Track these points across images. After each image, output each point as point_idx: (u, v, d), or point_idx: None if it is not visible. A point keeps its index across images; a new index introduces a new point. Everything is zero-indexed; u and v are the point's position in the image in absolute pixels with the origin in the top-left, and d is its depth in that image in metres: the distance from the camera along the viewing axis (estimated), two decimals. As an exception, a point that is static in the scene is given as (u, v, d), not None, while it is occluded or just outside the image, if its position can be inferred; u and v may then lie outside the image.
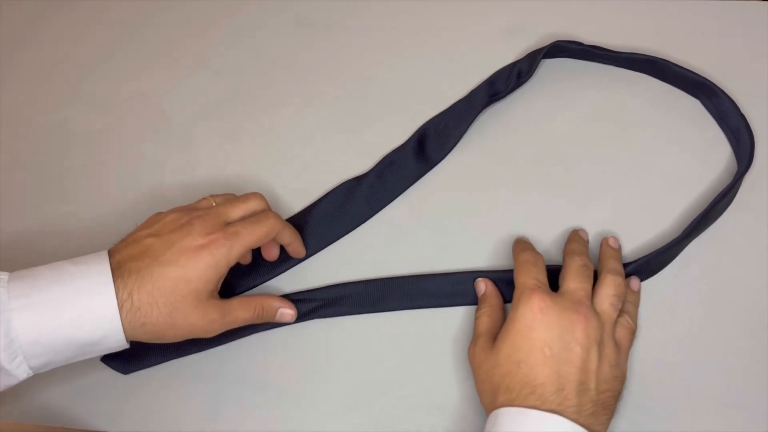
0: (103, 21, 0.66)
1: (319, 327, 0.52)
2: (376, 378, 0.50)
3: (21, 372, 0.42)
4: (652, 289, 0.51)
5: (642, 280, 0.51)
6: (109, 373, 0.50)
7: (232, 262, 0.46)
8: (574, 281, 0.46)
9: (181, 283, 0.43)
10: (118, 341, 0.43)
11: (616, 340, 0.46)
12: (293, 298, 0.51)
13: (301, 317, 0.51)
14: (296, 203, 0.56)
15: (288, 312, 0.50)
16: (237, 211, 0.47)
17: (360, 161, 0.57)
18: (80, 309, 0.42)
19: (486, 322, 0.48)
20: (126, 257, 0.44)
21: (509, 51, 0.60)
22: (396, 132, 0.58)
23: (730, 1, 0.61)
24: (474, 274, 0.52)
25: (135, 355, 0.49)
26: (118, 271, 0.43)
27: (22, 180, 0.59)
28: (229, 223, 0.46)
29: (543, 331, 0.43)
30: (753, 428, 0.47)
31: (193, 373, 0.50)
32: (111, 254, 0.45)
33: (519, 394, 0.43)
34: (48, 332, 0.41)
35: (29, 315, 0.41)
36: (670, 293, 0.51)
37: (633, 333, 0.47)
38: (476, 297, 0.51)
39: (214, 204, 0.48)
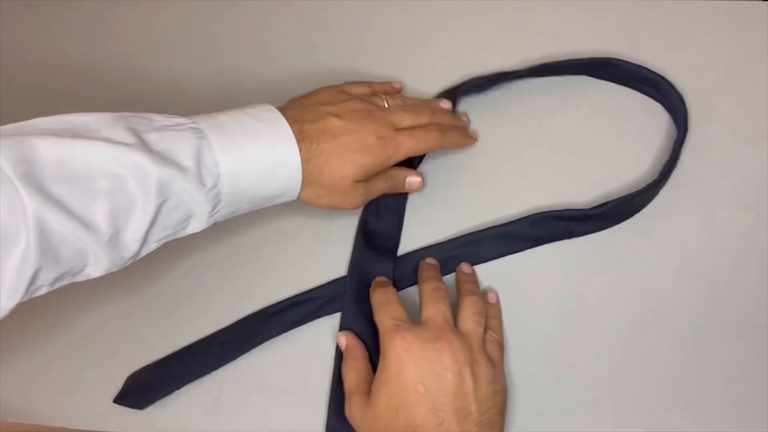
0: (103, 21, 0.66)
1: (319, 327, 0.52)
2: (376, 378, 0.50)
3: (213, 219, 0.45)
4: (652, 288, 0.51)
5: (612, 225, 0.52)
6: (109, 372, 0.51)
7: (392, 164, 0.50)
8: (430, 308, 0.46)
9: (347, 166, 0.48)
10: (293, 196, 0.48)
11: (489, 356, 0.45)
12: (296, 301, 0.51)
13: (307, 317, 0.51)
14: (296, 203, 0.56)
15: (415, 180, 0.53)
16: (406, 121, 0.51)
17: (360, 161, 0.57)
18: (272, 167, 0.45)
19: (353, 377, 0.47)
20: (310, 127, 0.48)
21: (510, 51, 0.60)
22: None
23: (730, 1, 0.61)
24: (450, 243, 0.53)
25: (147, 390, 0.50)
26: (300, 135, 0.47)
27: (22, 180, 0.59)
28: (398, 129, 0.51)
29: (412, 369, 0.43)
30: (753, 428, 0.47)
31: (193, 373, 0.51)
32: (292, 117, 0.48)
33: None
34: (244, 185, 0.45)
35: (232, 169, 0.44)
36: (670, 293, 0.51)
37: (501, 345, 0.48)
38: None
39: (386, 105, 0.53)
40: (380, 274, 0.52)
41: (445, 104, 0.56)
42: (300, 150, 0.46)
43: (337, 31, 0.64)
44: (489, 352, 0.46)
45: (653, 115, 0.57)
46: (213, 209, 0.44)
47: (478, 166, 0.56)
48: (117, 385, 0.50)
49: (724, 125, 0.56)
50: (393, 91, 0.57)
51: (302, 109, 0.50)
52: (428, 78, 0.60)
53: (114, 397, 0.50)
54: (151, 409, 0.50)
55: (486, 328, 0.47)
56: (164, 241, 0.44)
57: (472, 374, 0.43)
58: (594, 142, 0.56)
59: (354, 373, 0.47)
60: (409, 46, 0.62)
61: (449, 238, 0.53)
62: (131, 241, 0.41)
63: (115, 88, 0.63)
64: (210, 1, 0.66)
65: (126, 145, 0.40)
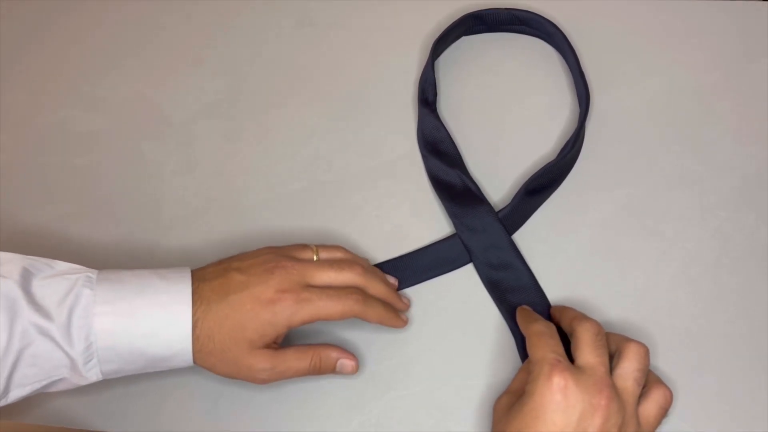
0: (103, 21, 0.66)
1: (320, 327, 0.51)
2: (376, 378, 0.50)
3: (92, 375, 0.43)
4: (651, 288, 0.51)
5: (545, 193, 0.53)
6: (109, 373, 0.51)
7: (294, 326, 0.45)
8: (592, 354, 0.42)
9: (237, 328, 0.44)
10: (186, 361, 0.45)
11: (641, 419, 0.42)
12: None
13: None
14: (296, 203, 0.56)
15: (348, 363, 0.47)
16: (324, 277, 0.46)
17: (360, 161, 0.57)
18: (157, 326, 0.43)
19: (521, 378, 0.45)
20: (207, 286, 0.45)
21: (507, 50, 0.60)
22: (396, 132, 0.58)
23: (730, 1, 0.61)
24: (448, 241, 0.53)
25: None
26: (195, 295, 0.44)
27: (22, 180, 0.59)
28: (308, 286, 0.46)
29: (560, 414, 0.40)
30: (753, 428, 0.47)
31: (193, 373, 0.50)
32: (196, 275, 0.45)
33: None
34: (124, 342, 0.43)
35: (110, 322, 0.42)
36: (670, 293, 0.51)
37: (666, 410, 0.43)
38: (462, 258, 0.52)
39: (315, 258, 0.48)
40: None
41: (392, 280, 0.51)
42: (193, 313, 0.43)
43: (337, 31, 0.64)
44: (646, 413, 0.42)
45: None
46: (86, 364, 0.42)
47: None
48: (117, 385, 0.50)
49: (724, 125, 0.56)
50: (351, 257, 0.50)
51: (212, 268, 0.46)
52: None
53: None
54: (151, 409, 0.50)
55: (648, 383, 0.44)
56: (40, 388, 0.43)
57: None
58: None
59: (525, 374, 0.44)
60: (410, 45, 0.62)
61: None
62: None
63: (115, 88, 0.62)
64: (210, 1, 0.66)
65: (6, 279, 0.41)
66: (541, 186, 0.54)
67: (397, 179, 0.57)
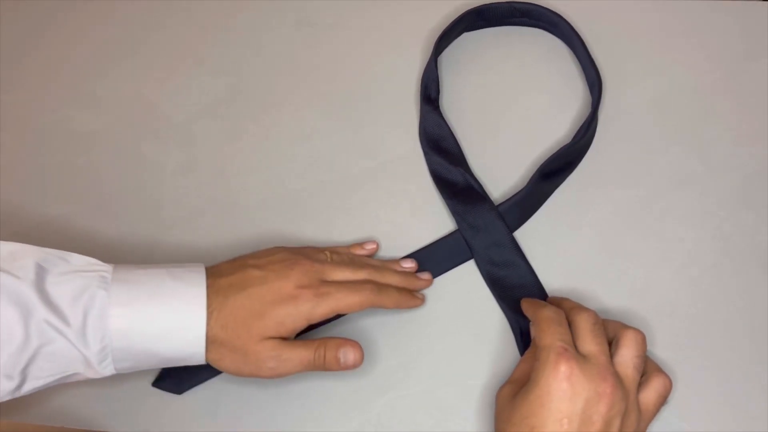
0: (103, 21, 0.66)
1: (320, 327, 0.51)
2: (376, 378, 0.50)
3: (107, 371, 0.44)
4: (651, 288, 0.51)
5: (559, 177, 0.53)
6: (109, 373, 0.51)
7: (313, 320, 0.46)
8: (593, 343, 0.43)
9: (254, 316, 0.44)
10: (198, 361, 0.45)
11: (641, 406, 0.43)
12: None
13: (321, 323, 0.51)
14: (296, 203, 0.56)
15: (351, 350, 0.47)
16: (340, 275, 0.48)
17: (360, 161, 0.57)
18: (171, 328, 0.43)
19: (523, 368, 0.45)
20: (224, 281, 0.45)
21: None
22: (396, 132, 0.58)
23: (730, 1, 0.61)
24: (449, 239, 0.53)
25: (187, 374, 0.49)
26: (211, 289, 0.44)
27: (22, 180, 0.59)
28: (325, 281, 0.47)
29: (565, 401, 0.40)
30: (753, 428, 0.47)
31: (193, 373, 0.50)
32: (211, 271, 0.46)
33: None
34: (138, 343, 0.43)
35: (125, 324, 0.43)
36: (670, 293, 0.51)
37: (665, 397, 0.44)
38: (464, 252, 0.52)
39: (329, 260, 0.49)
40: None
41: (407, 264, 0.52)
42: (207, 306, 0.44)
43: (337, 31, 0.64)
44: (646, 400, 0.43)
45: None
46: (101, 363, 0.43)
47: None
48: (117, 385, 0.50)
49: (724, 125, 0.56)
50: (360, 251, 0.52)
51: (228, 264, 0.47)
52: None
53: (152, 381, 0.50)
54: (151, 409, 0.50)
55: (646, 370, 0.44)
56: (56, 381, 0.43)
57: (620, 427, 0.41)
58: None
59: (527, 365, 0.45)
60: (410, 45, 0.62)
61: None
62: (5, 376, 0.41)
63: (115, 88, 0.63)
64: (210, 1, 0.66)
65: (19, 279, 0.41)
66: (555, 170, 0.54)
67: (397, 179, 0.57)
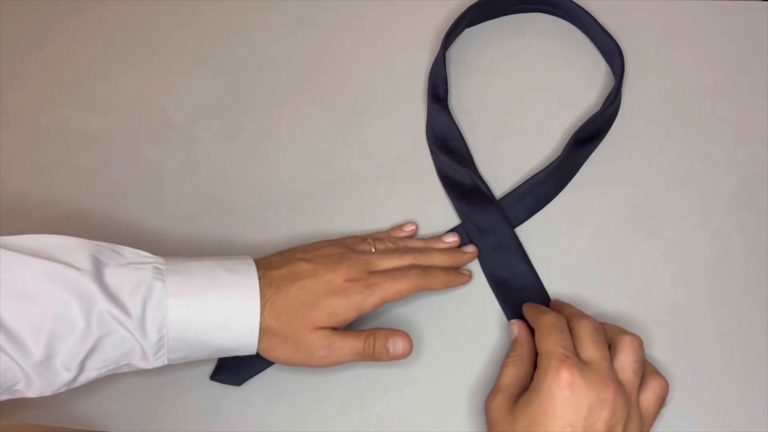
0: (104, 21, 0.66)
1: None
2: (376, 378, 0.50)
3: (159, 362, 0.44)
4: (651, 287, 0.51)
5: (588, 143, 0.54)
6: (110, 373, 0.51)
7: (364, 311, 0.46)
8: (594, 349, 0.43)
9: (307, 306, 0.45)
10: (250, 351, 0.46)
11: (641, 410, 0.43)
12: None
13: None
14: (296, 203, 0.56)
15: (400, 340, 0.47)
16: (386, 265, 0.48)
17: (361, 161, 0.57)
18: (227, 319, 0.44)
19: (511, 373, 0.45)
20: (275, 273, 0.46)
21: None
22: (397, 132, 0.58)
23: (730, 1, 0.61)
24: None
25: (244, 365, 0.49)
26: (263, 280, 0.45)
27: (22, 180, 0.59)
28: (373, 272, 0.47)
29: (568, 409, 0.40)
30: (753, 428, 0.47)
31: (193, 373, 0.50)
32: (261, 264, 0.46)
33: None
34: (193, 333, 0.44)
35: (182, 315, 0.43)
36: (670, 293, 0.51)
37: (664, 399, 0.44)
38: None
39: (372, 250, 0.49)
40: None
41: (450, 238, 0.52)
42: (261, 297, 0.44)
43: (337, 31, 0.64)
44: (646, 405, 0.43)
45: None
46: (156, 353, 0.43)
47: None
48: (117, 385, 0.50)
49: (724, 125, 0.56)
50: (401, 234, 0.53)
51: (277, 257, 0.48)
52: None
53: (210, 374, 0.50)
54: (151, 409, 0.50)
55: (645, 374, 0.44)
56: (107, 372, 0.44)
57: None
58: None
59: (514, 370, 0.45)
60: (410, 45, 0.62)
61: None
62: (64, 367, 0.41)
63: (115, 88, 0.63)
64: (211, 2, 0.66)
65: (80, 271, 0.42)
66: (588, 137, 0.55)
67: (399, 179, 0.57)
